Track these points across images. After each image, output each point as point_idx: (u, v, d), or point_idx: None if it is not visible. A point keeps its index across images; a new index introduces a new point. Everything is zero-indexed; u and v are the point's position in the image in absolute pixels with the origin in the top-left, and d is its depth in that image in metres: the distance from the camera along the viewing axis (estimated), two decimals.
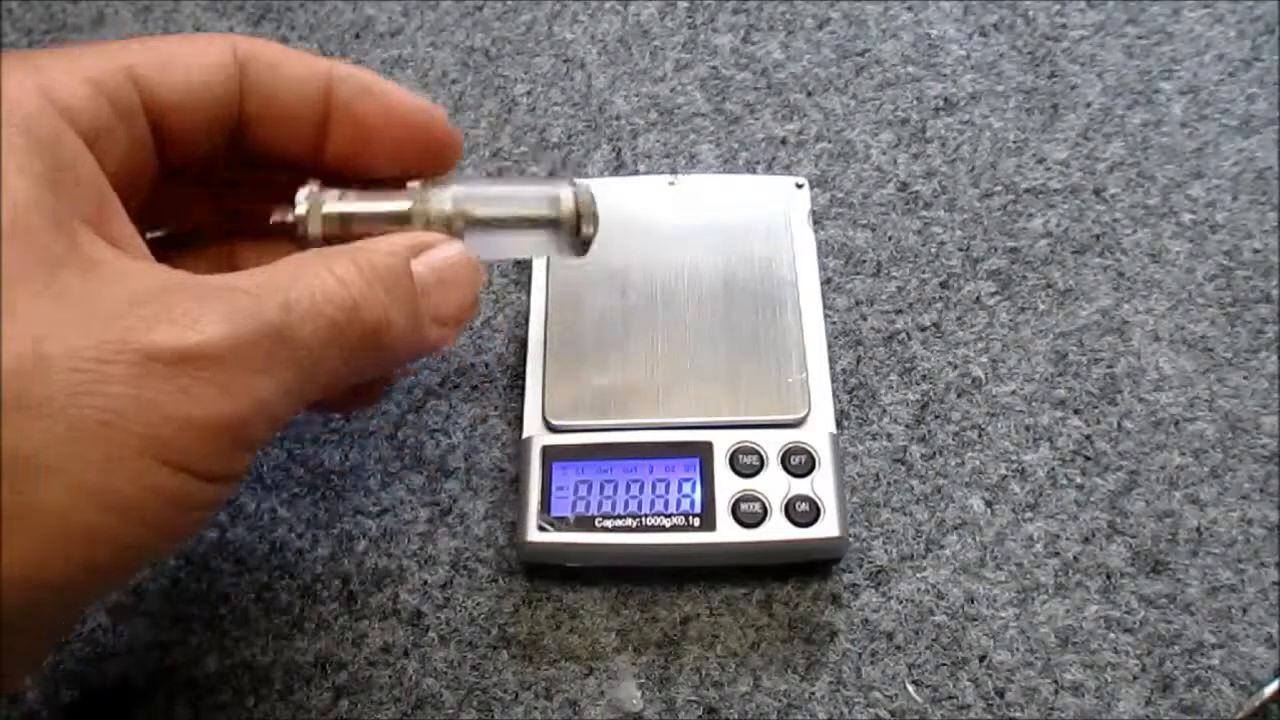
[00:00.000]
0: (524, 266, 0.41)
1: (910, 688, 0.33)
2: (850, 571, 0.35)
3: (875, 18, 0.48)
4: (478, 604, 0.35)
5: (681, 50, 0.47)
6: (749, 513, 0.33)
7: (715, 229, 0.39)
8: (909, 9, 0.48)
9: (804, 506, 0.34)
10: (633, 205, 0.40)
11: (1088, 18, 0.47)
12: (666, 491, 0.34)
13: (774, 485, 0.34)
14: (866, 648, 0.34)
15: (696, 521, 0.33)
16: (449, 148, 0.32)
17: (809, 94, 0.46)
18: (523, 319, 0.40)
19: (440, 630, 0.35)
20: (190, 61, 0.27)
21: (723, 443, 0.35)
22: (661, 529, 0.33)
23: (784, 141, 0.44)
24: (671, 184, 0.40)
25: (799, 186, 0.40)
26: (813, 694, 0.33)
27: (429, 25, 0.49)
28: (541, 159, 0.44)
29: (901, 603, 0.35)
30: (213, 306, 0.23)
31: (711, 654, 0.34)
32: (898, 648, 0.34)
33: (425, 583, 0.36)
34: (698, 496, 0.34)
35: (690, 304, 0.37)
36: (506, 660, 0.34)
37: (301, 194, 0.29)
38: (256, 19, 0.49)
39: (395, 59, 0.48)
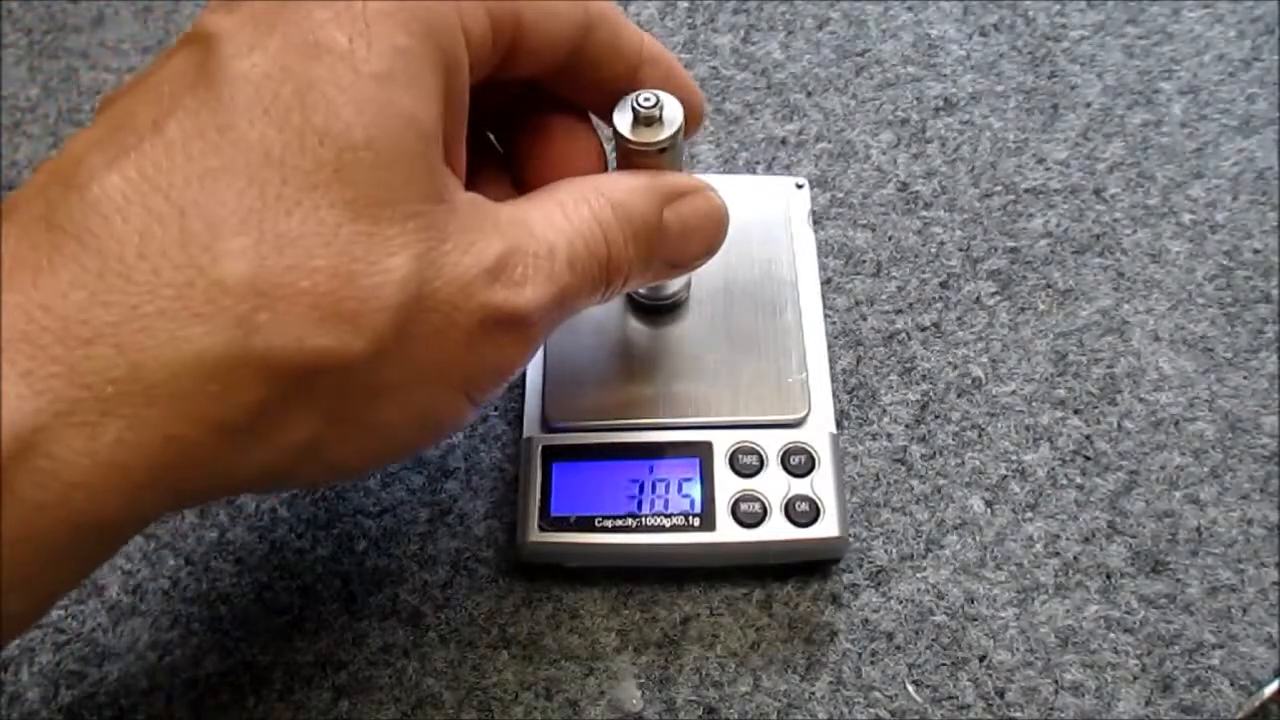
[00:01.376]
0: None
1: (910, 688, 0.33)
2: (850, 571, 0.35)
3: (875, 18, 0.48)
4: (478, 604, 0.35)
5: (681, 50, 0.47)
6: (749, 513, 0.33)
7: None
8: (909, 9, 0.48)
9: (804, 506, 0.34)
10: None
11: (1088, 18, 0.47)
12: (666, 491, 0.34)
13: (774, 485, 0.34)
14: (866, 648, 0.34)
15: (696, 521, 0.33)
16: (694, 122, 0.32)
17: (809, 94, 0.46)
18: None
19: (440, 630, 0.35)
20: (560, 10, 0.27)
21: (723, 443, 0.35)
22: (661, 529, 0.33)
23: (784, 141, 0.44)
24: None
25: (799, 187, 0.40)
26: (813, 694, 0.33)
27: None
28: None
29: (901, 603, 0.35)
30: (533, 266, 0.25)
31: (711, 654, 0.34)
32: (898, 648, 0.34)
33: (425, 583, 0.36)
34: (697, 496, 0.34)
35: (690, 304, 0.37)
36: (506, 660, 0.34)
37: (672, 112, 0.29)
38: None
39: None
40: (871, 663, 0.34)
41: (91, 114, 0.47)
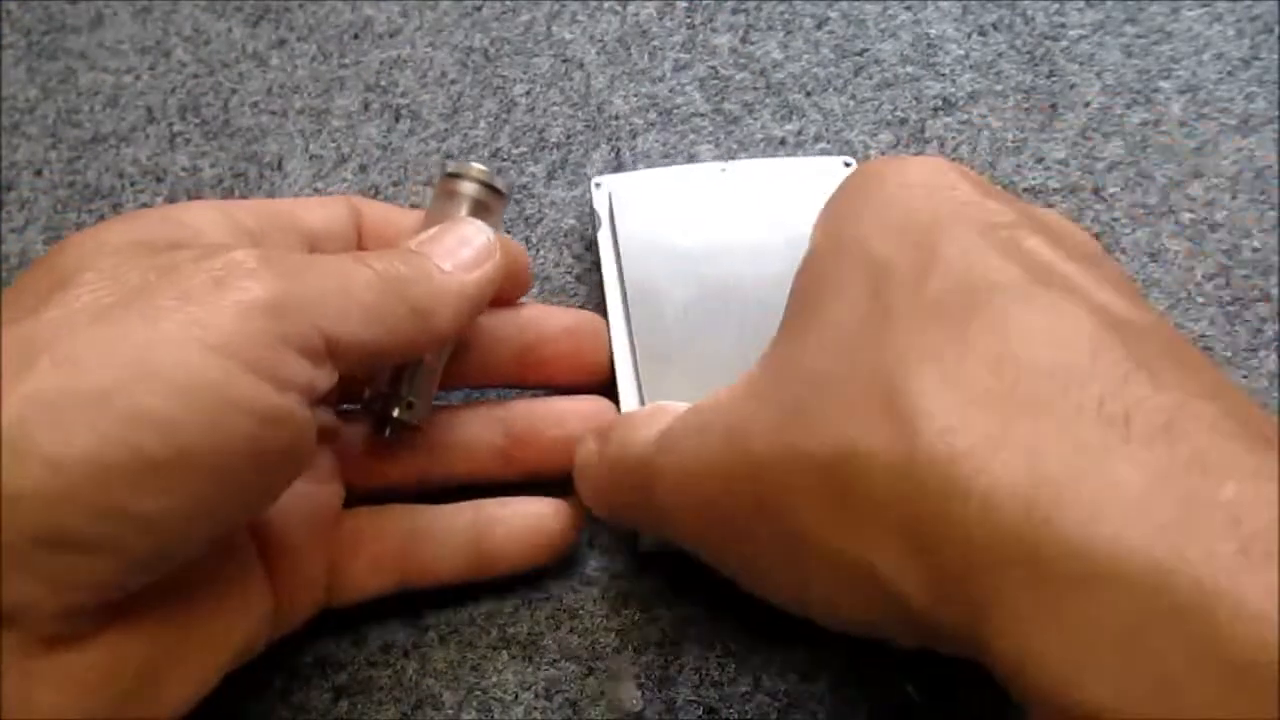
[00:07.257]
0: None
1: (910, 687, 0.33)
2: None
3: (874, 17, 0.48)
4: (478, 604, 0.35)
5: (680, 50, 0.47)
6: None
7: (772, 213, 0.39)
8: (908, 9, 0.48)
9: None
10: (691, 195, 0.40)
11: (1086, 17, 0.47)
12: None
13: None
14: (867, 647, 0.34)
15: None
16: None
17: (808, 94, 0.46)
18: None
19: (440, 630, 0.35)
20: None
21: None
22: None
23: (783, 141, 0.44)
24: (723, 171, 0.40)
25: (847, 165, 0.40)
26: (813, 694, 0.33)
27: (428, 25, 0.49)
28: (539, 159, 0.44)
29: None
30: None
31: (711, 654, 0.34)
32: (898, 647, 0.34)
33: None
34: None
35: (759, 289, 0.36)
36: (506, 660, 0.34)
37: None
38: (255, 19, 0.49)
39: (394, 59, 0.48)
40: (872, 662, 0.34)
41: (90, 114, 0.47)
